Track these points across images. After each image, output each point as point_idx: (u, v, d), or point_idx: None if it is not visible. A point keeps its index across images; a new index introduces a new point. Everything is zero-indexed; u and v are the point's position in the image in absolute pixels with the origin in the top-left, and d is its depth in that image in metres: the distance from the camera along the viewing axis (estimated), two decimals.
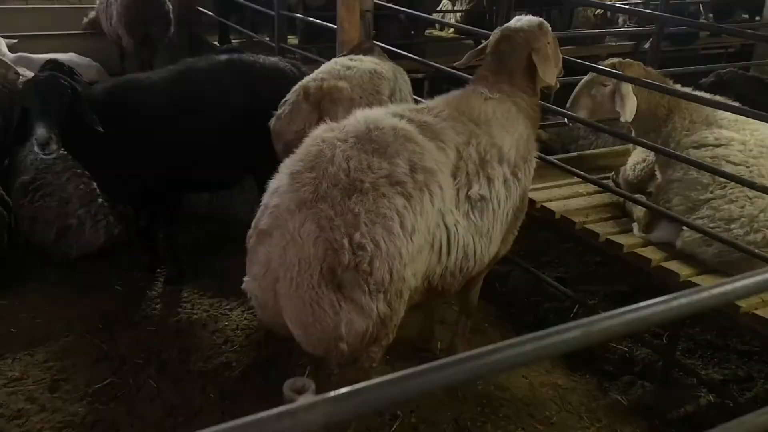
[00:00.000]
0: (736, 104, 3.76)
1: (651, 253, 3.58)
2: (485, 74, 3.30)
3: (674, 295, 1.40)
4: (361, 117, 2.67)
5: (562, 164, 4.15)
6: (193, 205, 4.33)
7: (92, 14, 8.12)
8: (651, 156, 4.07)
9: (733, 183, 3.43)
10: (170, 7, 7.61)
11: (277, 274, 2.41)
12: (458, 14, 9.21)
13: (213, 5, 8.07)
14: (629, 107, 3.95)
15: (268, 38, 7.23)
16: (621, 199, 4.08)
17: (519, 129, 3.10)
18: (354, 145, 2.51)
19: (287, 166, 2.57)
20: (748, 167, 3.47)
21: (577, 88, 4.21)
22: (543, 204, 4.12)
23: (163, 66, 6.56)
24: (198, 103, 3.82)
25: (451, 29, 9.28)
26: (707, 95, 3.96)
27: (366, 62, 3.73)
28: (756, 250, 3.27)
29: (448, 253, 2.73)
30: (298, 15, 6.46)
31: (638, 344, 3.97)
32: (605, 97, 4.09)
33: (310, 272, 2.34)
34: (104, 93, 3.72)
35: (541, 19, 3.41)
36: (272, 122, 3.46)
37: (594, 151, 4.82)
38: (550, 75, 3.26)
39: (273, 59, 4.29)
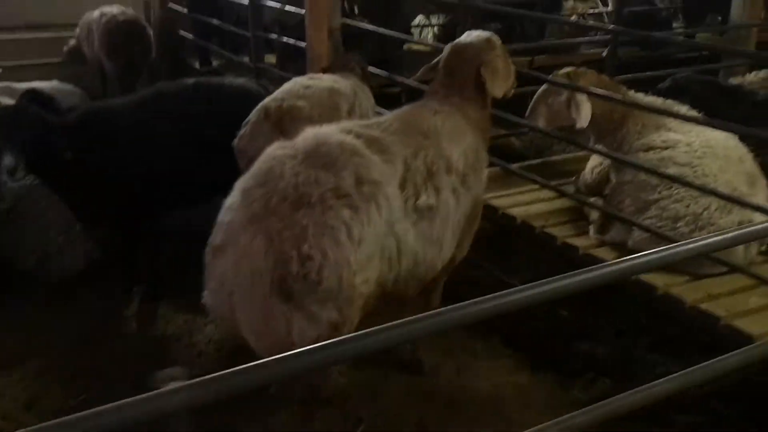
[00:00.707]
0: (682, 109, 3.94)
1: (604, 254, 3.73)
2: (437, 88, 3.46)
3: (579, 271, 1.55)
4: (311, 134, 2.82)
5: (521, 172, 4.30)
6: (168, 222, 4.46)
7: (72, 42, 8.29)
8: (607, 160, 4.22)
9: (675, 186, 3.58)
10: (150, 32, 7.78)
11: (231, 287, 2.56)
12: (434, 28, 9.41)
13: (193, 29, 8.25)
14: (584, 114, 4.11)
15: (247, 59, 7.40)
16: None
17: (467, 140, 3.24)
18: (303, 160, 2.66)
19: (240, 183, 2.72)
20: (692, 167, 3.62)
21: (534, 98, 4.38)
22: (505, 210, 4.27)
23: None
24: (165, 126, 3.97)
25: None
26: (659, 100, 4.14)
27: (324, 80, 3.90)
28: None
29: (399, 261, 2.87)
30: (273, 35, 6.62)
31: (601, 342, 4.10)
32: (561, 105, 4.26)
33: (262, 284, 2.48)
34: (74, 119, 3.87)
35: (490, 33, 3.57)
36: (235, 142, 3.61)
37: (558, 157, 4.96)
38: (497, 88, 3.41)
39: (240, 81, 4.45)
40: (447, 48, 3.56)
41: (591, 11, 9.72)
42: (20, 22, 8.44)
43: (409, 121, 3.15)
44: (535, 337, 4.09)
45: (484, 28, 8.28)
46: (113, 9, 7.65)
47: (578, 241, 3.88)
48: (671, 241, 3.45)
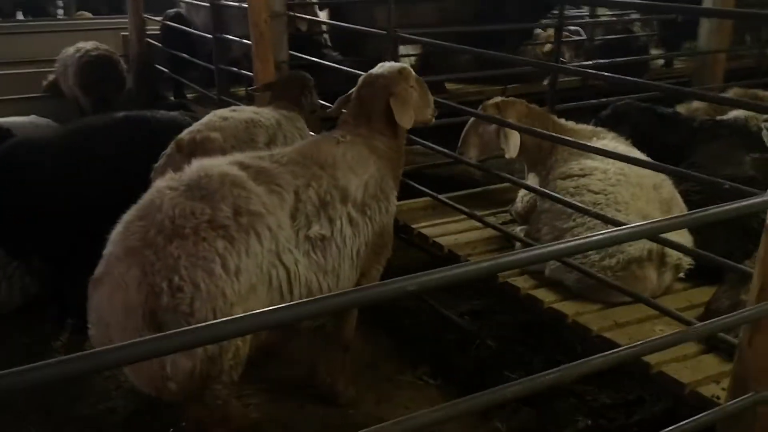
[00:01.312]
0: (607, 137, 3.96)
1: (522, 282, 3.72)
2: (347, 118, 3.52)
3: (450, 266, 1.61)
4: (196, 166, 2.86)
5: (447, 201, 4.32)
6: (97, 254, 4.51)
7: (51, 77, 8.46)
8: None
9: (590, 213, 3.58)
10: (123, 67, 7.94)
11: (107, 319, 2.59)
12: (411, 59, 9.51)
13: (168, 63, 8.41)
14: (512, 143, 4.14)
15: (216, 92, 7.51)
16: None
17: (370, 170, 3.28)
18: (183, 192, 2.70)
19: (125, 215, 2.77)
20: (606, 195, 3.62)
21: (465, 128, 4.41)
22: (434, 239, 4.29)
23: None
24: (91, 159, 4.04)
25: None
26: (588, 128, 4.17)
27: (245, 112, 3.97)
28: (609, 275, 3.42)
29: (291, 290, 2.89)
30: (233, 68, 6.72)
31: (527, 371, 4.07)
32: (491, 135, 4.29)
33: (134, 317, 2.51)
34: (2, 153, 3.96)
35: (403, 65, 3.62)
36: (152, 174, 3.67)
37: (500, 185, 4.97)
38: (405, 119, 3.44)
39: (172, 114, 4.53)
40: (360, 79, 3.62)
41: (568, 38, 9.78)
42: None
43: (307, 152, 3.19)
44: (463, 368, 4.08)
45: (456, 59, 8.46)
46: (87, 45, 7.84)
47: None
48: (581, 269, 3.47)
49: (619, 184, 3.64)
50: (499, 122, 4.02)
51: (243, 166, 2.91)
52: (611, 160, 3.81)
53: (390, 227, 3.44)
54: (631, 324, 3.31)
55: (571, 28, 9.29)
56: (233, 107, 4.11)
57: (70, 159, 4.04)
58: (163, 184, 2.77)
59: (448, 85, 8.53)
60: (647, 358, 2.96)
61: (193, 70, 8.31)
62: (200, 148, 3.54)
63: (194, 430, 2.88)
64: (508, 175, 4.27)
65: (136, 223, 2.64)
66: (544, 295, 3.59)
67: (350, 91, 3.69)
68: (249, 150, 3.70)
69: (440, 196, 4.45)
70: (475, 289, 4.75)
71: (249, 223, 2.71)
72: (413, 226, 4.49)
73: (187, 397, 2.72)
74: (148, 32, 8.85)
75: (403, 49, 9.64)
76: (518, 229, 4.11)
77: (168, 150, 3.66)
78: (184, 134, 3.68)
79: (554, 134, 3.86)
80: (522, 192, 4.43)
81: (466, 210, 4.14)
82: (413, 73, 3.62)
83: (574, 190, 3.74)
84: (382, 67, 3.61)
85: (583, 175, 3.78)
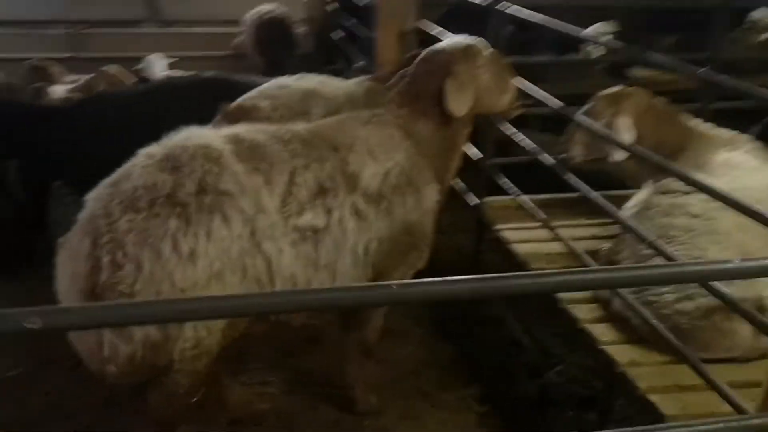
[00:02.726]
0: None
1: (584, 312, 3.07)
2: (394, 96, 3.10)
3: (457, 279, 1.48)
4: (183, 134, 2.65)
5: (525, 203, 3.68)
6: None
7: (240, 37, 8.81)
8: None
9: (679, 239, 2.85)
10: (297, 30, 8.02)
11: (59, 285, 2.48)
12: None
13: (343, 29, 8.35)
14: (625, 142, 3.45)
15: None
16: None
17: (396, 157, 2.86)
18: (157, 162, 2.50)
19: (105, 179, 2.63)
20: (704, 220, 2.86)
21: (572, 123, 3.76)
22: (510, 245, 3.73)
23: None
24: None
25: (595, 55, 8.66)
26: (716, 132, 3.38)
27: (309, 80, 3.67)
28: (684, 323, 2.69)
29: (271, 283, 2.60)
30: None
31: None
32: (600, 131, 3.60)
33: (76, 289, 2.37)
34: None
35: (472, 41, 3.11)
36: None
37: (621, 192, 4.20)
38: (456, 104, 2.94)
39: (251, 78, 4.37)
40: (422, 53, 3.17)
41: None
42: (193, 16, 9.23)
43: (324, 130, 2.84)
44: (521, 399, 3.51)
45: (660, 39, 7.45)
46: (267, 7, 8.03)
47: (568, 294, 3.23)
48: (654, 309, 2.77)
49: (726, 208, 2.83)
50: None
51: (235, 139, 2.64)
52: (735, 176, 3.03)
53: (424, 226, 2.98)
54: (695, 391, 2.56)
55: None
56: (300, 74, 3.82)
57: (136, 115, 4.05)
58: (146, 150, 2.58)
59: (640, 72, 7.51)
60: None
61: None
62: (245, 116, 3.32)
63: (154, 417, 2.70)
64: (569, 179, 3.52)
65: (104, 190, 2.49)
66: (602, 333, 2.91)
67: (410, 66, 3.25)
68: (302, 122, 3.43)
69: (523, 197, 3.83)
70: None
71: (213, 203, 2.43)
72: (495, 227, 3.94)
73: (142, 380, 2.55)
74: None
75: (595, 27, 8.77)
76: (605, 248, 3.41)
77: (217, 116, 3.48)
78: (237, 102, 3.48)
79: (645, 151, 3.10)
80: (630, 202, 3.67)
81: (541, 215, 3.50)
82: (486, 51, 3.09)
83: (668, 208, 2.99)
84: (450, 41, 3.12)
85: (687, 192, 3.01)
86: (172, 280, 2.35)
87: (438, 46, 3.12)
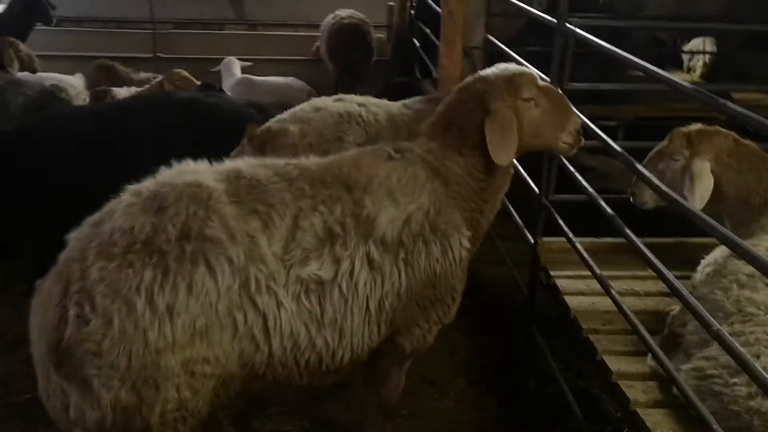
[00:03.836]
0: None
1: (638, 392, 2.62)
2: (426, 128, 2.76)
3: None
4: (178, 169, 2.38)
5: (580, 250, 3.20)
6: None
7: (317, 42, 8.62)
8: None
9: (758, 319, 2.37)
10: (373, 37, 7.74)
11: (31, 331, 2.25)
12: (705, 57, 7.84)
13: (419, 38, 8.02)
14: (700, 191, 3.00)
15: None
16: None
17: (420, 200, 2.50)
18: (142, 201, 2.24)
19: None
20: None
21: (646, 159, 3.30)
22: (565, 296, 3.29)
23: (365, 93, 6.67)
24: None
25: (698, 72, 7.96)
26: None
27: (347, 102, 3.35)
28: (757, 424, 2.20)
29: (269, 341, 2.30)
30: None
31: None
32: (675, 173, 3.15)
33: (44, 341, 2.14)
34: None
35: (520, 70, 2.71)
36: None
37: (699, 239, 3.68)
38: (501, 152, 2.56)
39: (239, 105, 4.09)
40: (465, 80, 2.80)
41: None
42: (278, 19, 9.10)
43: (338, 166, 2.51)
44: None
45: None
46: (343, 12, 7.79)
47: (618, 364, 2.79)
48: (720, 402, 2.30)
49: None
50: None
51: (233, 176, 2.35)
52: None
53: (450, 278, 2.61)
54: None
55: None
56: (339, 96, 3.50)
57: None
58: (135, 187, 2.32)
59: (739, 95, 6.81)
60: None
61: None
62: (272, 141, 3.04)
63: None
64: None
65: (86, 230, 2.25)
66: (656, 423, 2.45)
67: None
68: (333, 150, 3.13)
69: (582, 241, 3.35)
70: None
71: (197, 251, 2.15)
72: (550, 271, 3.50)
73: None
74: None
75: (695, 43, 8.05)
76: (673, 313, 2.93)
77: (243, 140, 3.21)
78: (266, 125, 3.20)
79: None
80: (708, 258, 3.17)
81: (596, 268, 3.03)
82: (536, 80, 2.68)
83: (747, 279, 2.51)
84: (495, 68, 2.74)
85: None
86: (145, 339, 2.08)
87: (482, 73, 2.73)
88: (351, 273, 2.36)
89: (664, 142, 3.20)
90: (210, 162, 2.43)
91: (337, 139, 3.18)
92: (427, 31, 7.24)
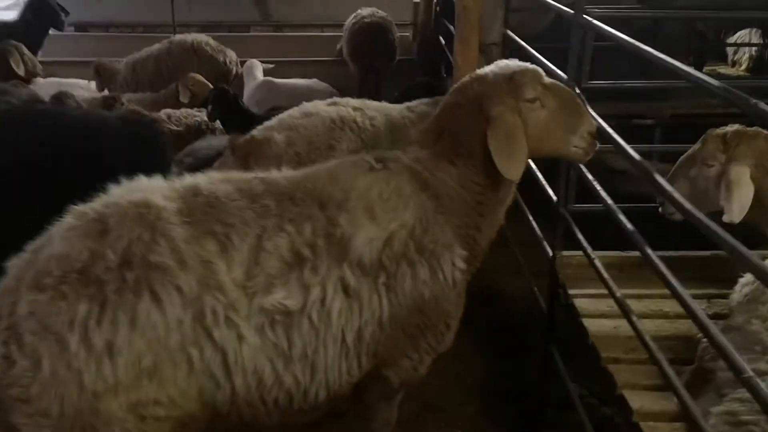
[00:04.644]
0: None
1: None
2: (417, 134, 2.45)
3: None
4: (127, 186, 2.12)
5: (598, 266, 2.84)
6: None
7: (340, 43, 8.37)
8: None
9: None
10: (396, 37, 7.44)
11: None
12: (753, 49, 7.34)
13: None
14: (738, 200, 2.62)
15: None
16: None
17: (403, 216, 2.20)
18: (86, 224, 1.99)
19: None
20: None
21: (675, 165, 2.93)
22: (583, 319, 2.95)
23: (389, 94, 6.40)
24: None
25: (743, 66, 7.47)
26: None
27: (341, 107, 3.06)
28: None
29: (230, 378, 2.03)
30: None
31: None
32: (709, 181, 2.77)
33: None
34: None
35: (522, 66, 2.38)
36: None
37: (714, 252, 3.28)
38: (509, 164, 2.25)
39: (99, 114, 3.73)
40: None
41: None
42: (303, 20, 8.88)
43: (311, 180, 2.22)
44: None
45: None
46: (365, 11, 7.51)
47: (641, 400, 2.44)
48: None
49: None
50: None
51: (189, 193, 2.08)
52: None
53: (443, 302, 2.30)
54: None
55: None
56: (333, 99, 3.20)
57: None
58: (80, 208, 2.06)
59: None
60: None
61: None
62: (255, 151, 2.77)
63: None
64: None
65: (26, 256, 2.01)
66: None
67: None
68: (324, 157, 2.85)
69: (603, 255, 3.00)
70: None
71: (140, 280, 1.89)
72: (568, 290, 3.16)
73: None
74: None
75: (741, 34, 7.52)
76: (702, 345, 2.55)
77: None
78: (248, 134, 2.93)
79: None
80: (745, 278, 2.79)
81: (613, 289, 2.67)
82: (541, 77, 2.36)
83: None
84: (494, 66, 2.42)
85: None
86: (80, 382, 1.84)
87: (479, 72, 2.42)
88: (322, 301, 2.08)
89: (697, 146, 2.83)
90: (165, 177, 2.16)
91: (329, 147, 2.90)
92: (452, 28, 6.92)
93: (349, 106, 3.11)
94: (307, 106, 3.16)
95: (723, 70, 7.49)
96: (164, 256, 1.92)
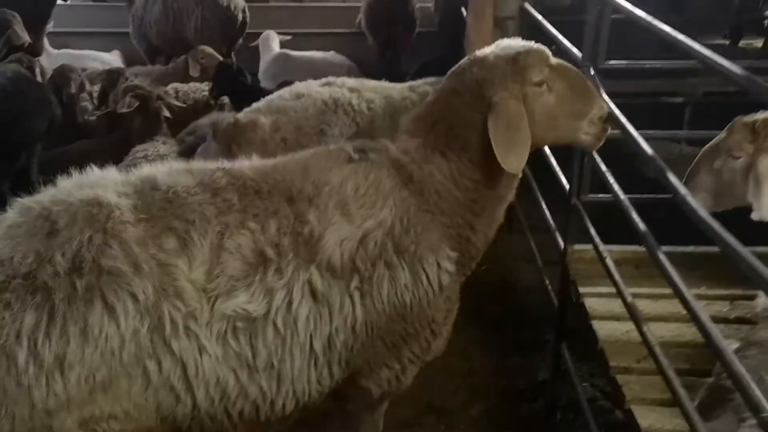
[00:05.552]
0: None
1: None
2: (407, 122, 2.22)
3: None
4: (77, 179, 1.92)
5: (610, 268, 2.58)
6: None
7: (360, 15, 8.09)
8: None
9: None
10: (415, 7, 7.15)
11: None
12: None
13: None
14: (765, 196, 2.36)
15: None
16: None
17: (380, 214, 1.99)
18: (32, 221, 1.80)
19: None
20: None
21: (697, 158, 2.67)
22: (594, 321, 2.71)
23: (411, 68, 6.14)
24: None
25: None
26: None
27: (338, 87, 2.81)
28: None
29: (192, 391, 1.86)
30: None
31: None
32: (736, 174, 2.51)
33: None
34: None
35: (526, 46, 2.13)
36: None
37: None
38: (510, 155, 2.00)
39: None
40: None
41: None
42: None
43: (280, 171, 2.02)
44: None
45: None
46: None
47: (658, 419, 2.21)
48: None
49: None
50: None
51: (146, 188, 1.90)
52: None
53: (427, 309, 2.10)
54: None
55: None
56: (328, 79, 2.94)
57: None
58: (25, 201, 1.87)
59: None
60: None
61: None
62: (240, 136, 2.55)
63: None
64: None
65: None
66: None
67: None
68: (314, 143, 2.63)
69: (616, 251, 2.75)
70: None
71: (92, 287, 1.72)
72: (583, 289, 2.91)
73: None
74: None
75: None
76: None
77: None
78: (233, 117, 2.72)
79: None
80: None
81: (623, 291, 2.41)
82: (547, 58, 2.11)
83: None
84: (495, 47, 2.17)
85: None
86: (30, 399, 1.68)
87: (479, 53, 2.16)
88: (288, 306, 1.89)
89: (723, 134, 2.56)
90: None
91: (319, 132, 2.67)
92: None
93: (345, 86, 2.86)
94: (299, 86, 2.92)
95: (760, 44, 7.06)
96: (117, 260, 1.74)
